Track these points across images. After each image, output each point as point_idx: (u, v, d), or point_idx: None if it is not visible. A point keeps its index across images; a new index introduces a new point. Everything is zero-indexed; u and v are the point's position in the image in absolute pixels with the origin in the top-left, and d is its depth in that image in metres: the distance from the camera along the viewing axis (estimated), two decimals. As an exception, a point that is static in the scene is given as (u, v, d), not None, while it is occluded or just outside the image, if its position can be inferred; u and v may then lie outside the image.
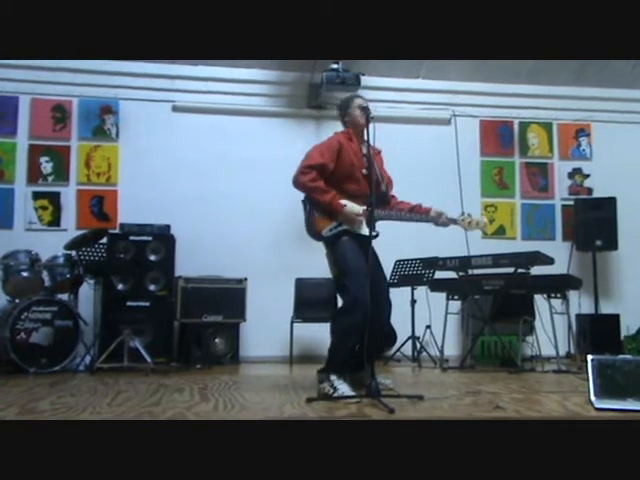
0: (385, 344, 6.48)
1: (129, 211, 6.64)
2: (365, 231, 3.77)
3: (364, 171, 3.86)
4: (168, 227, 6.38)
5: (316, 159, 3.82)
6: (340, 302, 3.85)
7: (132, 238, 6.18)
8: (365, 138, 3.87)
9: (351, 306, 3.64)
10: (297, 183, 3.82)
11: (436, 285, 6.09)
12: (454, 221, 4.07)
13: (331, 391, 3.54)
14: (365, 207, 3.77)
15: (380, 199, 3.95)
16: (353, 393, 3.47)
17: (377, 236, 3.77)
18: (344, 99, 4.17)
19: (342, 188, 3.84)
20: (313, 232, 3.85)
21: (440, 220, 4.02)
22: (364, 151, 3.93)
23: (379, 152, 4.18)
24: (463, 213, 4.12)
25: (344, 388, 3.53)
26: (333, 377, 3.63)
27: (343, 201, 3.79)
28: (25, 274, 5.60)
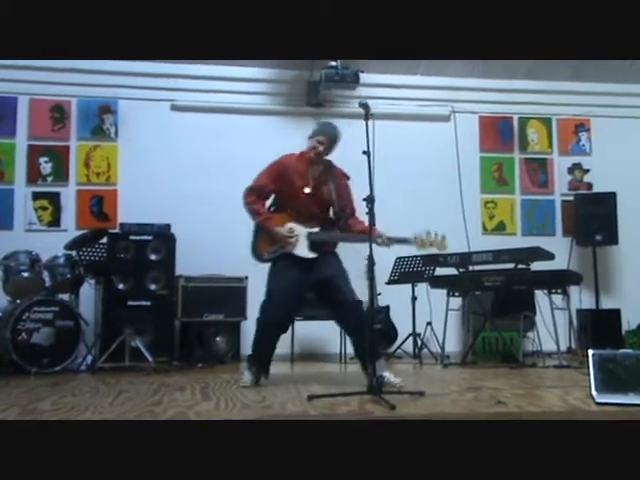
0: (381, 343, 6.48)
1: (129, 211, 6.63)
2: (301, 252, 4.06)
3: (306, 190, 4.09)
4: (168, 226, 6.37)
5: (257, 181, 4.22)
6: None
7: (132, 238, 6.18)
8: (325, 160, 4.18)
9: (263, 323, 4.15)
10: (243, 202, 4.22)
11: (437, 282, 6.08)
12: (405, 240, 4.05)
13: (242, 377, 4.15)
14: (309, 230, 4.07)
15: (328, 221, 4.21)
16: (249, 383, 4.03)
17: (315, 258, 4.06)
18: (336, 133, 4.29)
19: (290, 206, 4.14)
20: (255, 252, 4.27)
21: (379, 240, 3.95)
22: (315, 173, 4.15)
23: (346, 178, 4.33)
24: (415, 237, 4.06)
25: (247, 377, 4.11)
26: (246, 365, 4.24)
27: (288, 224, 4.08)
28: (26, 274, 5.60)
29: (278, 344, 6.56)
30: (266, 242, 4.17)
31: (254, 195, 4.18)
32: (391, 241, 3.99)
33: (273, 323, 4.12)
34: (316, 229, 4.09)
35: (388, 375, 3.82)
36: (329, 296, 4.04)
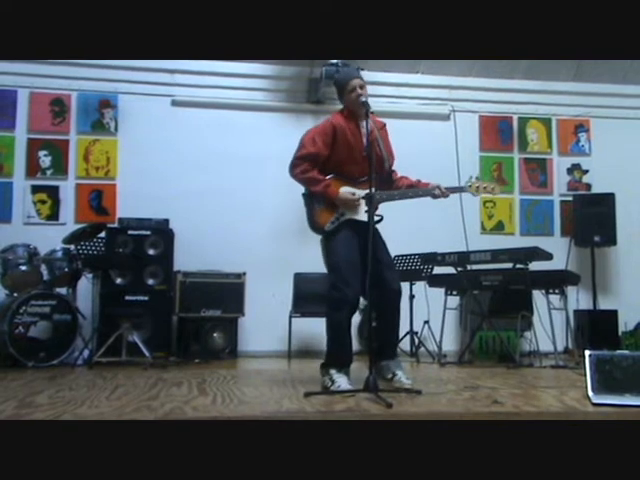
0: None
1: (128, 205, 6.64)
2: (365, 216, 3.64)
3: (364, 153, 3.72)
4: (167, 221, 6.38)
5: (307, 148, 3.77)
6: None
7: (131, 232, 6.19)
8: (364, 118, 3.70)
9: (337, 302, 3.62)
10: (291, 175, 3.82)
11: (435, 280, 6.09)
12: (461, 189, 3.97)
13: (329, 384, 3.56)
14: (367, 191, 3.62)
15: (385, 179, 3.92)
16: (350, 387, 3.48)
17: (380, 220, 3.74)
18: (341, 77, 4.01)
19: (343, 171, 3.78)
20: (315, 226, 3.80)
21: (437, 192, 3.84)
22: (363, 130, 3.78)
23: (383, 126, 4.05)
24: (471, 177, 3.99)
25: (342, 381, 3.54)
26: (332, 371, 3.65)
27: (343, 188, 3.74)
28: (23, 268, 5.59)
29: (274, 340, 6.67)
30: (325, 212, 3.76)
31: (306, 163, 3.74)
32: (448, 191, 3.88)
33: (347, 301, 3.59)
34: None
35: (400, 374, 3.72)
36: (377, 278, 3.61)
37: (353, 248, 3.68)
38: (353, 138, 3.78)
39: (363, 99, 3.73)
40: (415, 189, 3.95)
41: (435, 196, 3.87)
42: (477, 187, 3.95)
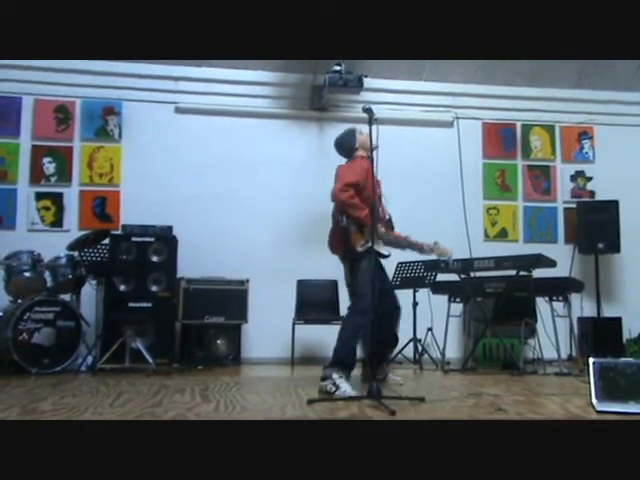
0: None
1: (131, 212, 6.65)
2: (381, 249, 4.17)
3: (379, 190, 4.19)
4: (170, 228, 6.38)
5: (352, 177, 4.07)
6: (350, 304, 4.21)
7: (134, 239, 6.19)
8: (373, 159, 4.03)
9: (365, 309, 3.77)
10: (337, 199, 4.07)
11: (438, 287, 6.09)
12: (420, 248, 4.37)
13: (333, 389, 3.58)
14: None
15: (388, 222, 4.36)
16: (354, 392, 3.49)
17: (389, 256, 4.25)
18: (344, 137, 4.42)
19: (366, 206, 4.06)
20: (349, 248, 4.06)
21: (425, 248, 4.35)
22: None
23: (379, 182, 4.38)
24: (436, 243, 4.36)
25: (346, 387, 3.56)
26: (335, 376, 3.66)
27: None
28: (27, 274, 5.60)
29: (278, 347, 6.66)
30: (356, 237, 4.08)
31: (352, 190, 4.04)
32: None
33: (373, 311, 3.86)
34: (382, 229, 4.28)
35: (391, 375, 4.19)
36: (386, 300, 4.20)
37: (373, 270, 3.88)
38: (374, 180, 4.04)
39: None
40: (407, 241, 4.39)
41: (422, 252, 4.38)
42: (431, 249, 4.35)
